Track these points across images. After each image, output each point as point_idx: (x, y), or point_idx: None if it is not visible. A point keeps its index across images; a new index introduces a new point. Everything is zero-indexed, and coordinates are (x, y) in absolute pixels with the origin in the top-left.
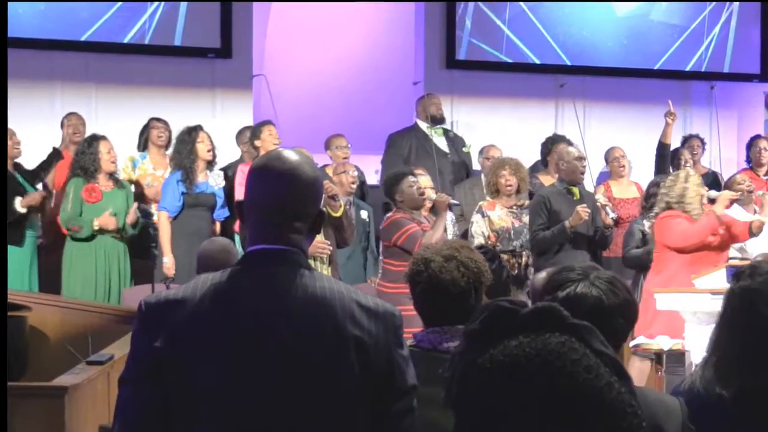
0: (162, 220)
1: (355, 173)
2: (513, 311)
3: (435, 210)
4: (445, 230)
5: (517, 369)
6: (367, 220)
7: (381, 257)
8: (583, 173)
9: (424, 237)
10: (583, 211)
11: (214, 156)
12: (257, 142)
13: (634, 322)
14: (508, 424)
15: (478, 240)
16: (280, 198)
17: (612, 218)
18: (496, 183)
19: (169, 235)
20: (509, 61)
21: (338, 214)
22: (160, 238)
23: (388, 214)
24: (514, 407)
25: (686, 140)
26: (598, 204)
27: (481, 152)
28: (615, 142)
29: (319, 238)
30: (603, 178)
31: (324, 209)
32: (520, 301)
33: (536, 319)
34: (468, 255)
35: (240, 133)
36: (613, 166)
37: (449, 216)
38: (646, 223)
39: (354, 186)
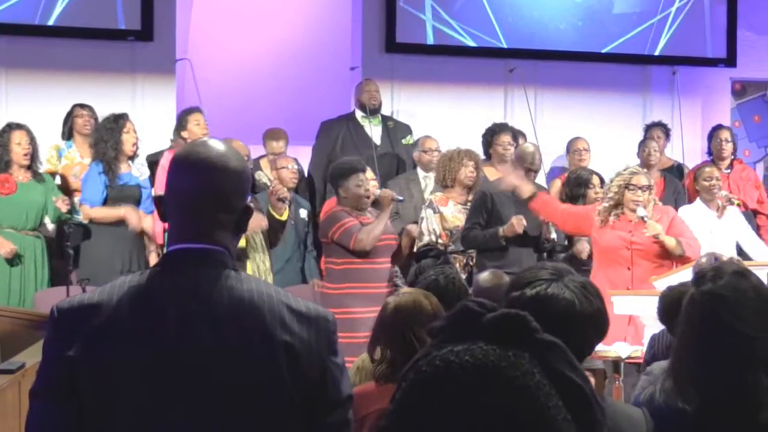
0: (88, 212)
1: (296, 167)
2: (478, 314)
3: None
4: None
5: (448, 376)
6: (307, 219)
7: (313, 254)
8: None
9: (360, 232)
10: (518, 223)
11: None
12: (184, 133)
13: (603, 334)
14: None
15: (427, 238)
16: (205, 186)
17: (553, 238)
18: (456, 173)
19: (108, 210)
20: (453, 44)
21: (284, 218)
22: (102, 220)
23: (326, 207)
24: (441, 416)
25: (648, 129)
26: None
27: (415, 144)
28: (569, 130)
29: (259, 241)
30: (558, 171)
31: (251, 205)
32: (490, 304)
33: (501, 326)
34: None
35: None
36: (573, 158)
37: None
38: None
39: (295, 181)
